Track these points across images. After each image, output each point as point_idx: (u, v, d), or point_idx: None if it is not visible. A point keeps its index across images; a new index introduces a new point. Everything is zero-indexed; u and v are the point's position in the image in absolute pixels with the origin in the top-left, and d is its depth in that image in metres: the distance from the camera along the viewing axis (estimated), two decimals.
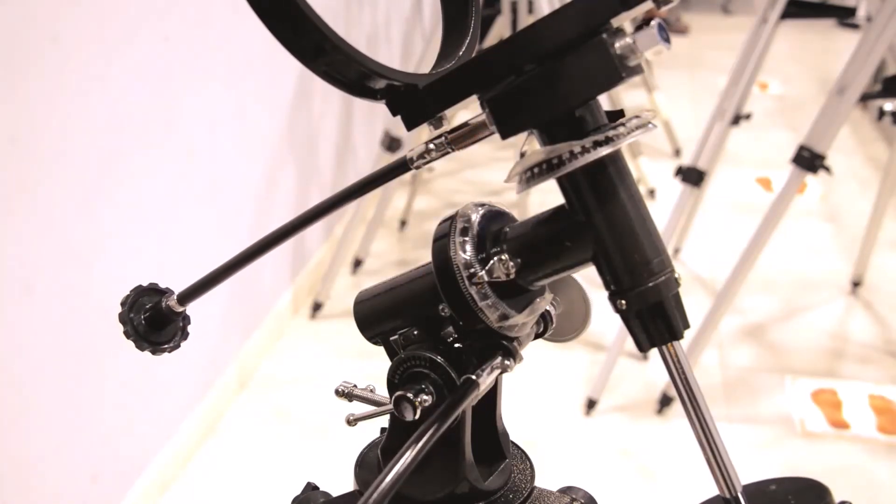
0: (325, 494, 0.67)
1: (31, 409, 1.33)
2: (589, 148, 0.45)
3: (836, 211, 2.94)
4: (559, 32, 0.45)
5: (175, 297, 0.61)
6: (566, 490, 0.62)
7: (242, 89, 1.96)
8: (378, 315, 0.58)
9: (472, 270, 0.51)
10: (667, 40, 0.44)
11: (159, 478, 1.68)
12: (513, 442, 0.62)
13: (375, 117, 2.88)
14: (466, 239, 0.52)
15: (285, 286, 2.29)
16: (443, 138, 0.51)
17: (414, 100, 0.49)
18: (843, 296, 2.42)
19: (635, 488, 1.72)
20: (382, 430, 0.60)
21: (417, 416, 0.53)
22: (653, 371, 2.06)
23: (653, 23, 0.44)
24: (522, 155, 0.48)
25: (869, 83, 1.75)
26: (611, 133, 0.46)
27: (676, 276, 0.50)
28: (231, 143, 1.93)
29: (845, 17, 4.03)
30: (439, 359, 0.53)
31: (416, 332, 0.56)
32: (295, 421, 1.92)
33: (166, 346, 0.62)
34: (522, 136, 0.49)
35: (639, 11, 0.44)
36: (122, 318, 0.61)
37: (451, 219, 0.53)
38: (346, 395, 0.61)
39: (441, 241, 0.52)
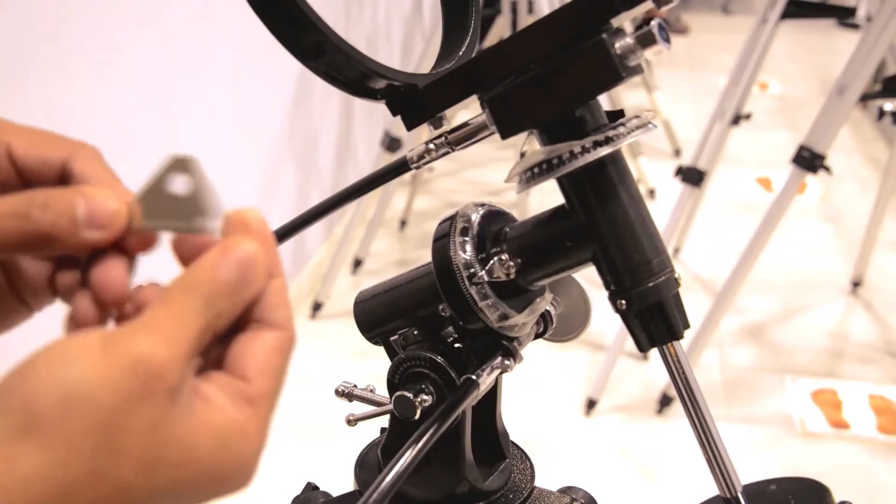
0: (325, 494, 0.67)
1: None
2: (589, 148, 0.45)
3: (836, 211, 2.93)
4: (559, 32, 0.45)
5: None
6: (566, 490, 0.62)
7: (242, 89, 1.96)
8: (378, 315, 0.58)
9: (472, 270, 0.51)
10: (667, 40, 0.44)
11: None
12: (513, 442, 0.62)
13: (375, 117, 2.88)
14: (466, 239, 0.52)
15: None
16: (443, 138, 0.51)
17: (414, 100, 0.49)
18: (843, 296, 2.42)
19: (635, 488, 1.72)
20: (382, 430, 0.60)
21: (417, 416, 0.53)
22: (653, 371, 2.06)
23: (653, 23, 0.44)
24: (522, 155, 0.48)
25: (869, 83, 1.75)
26: (611, 133, 0.46)
27: (676, 275, 0.50)
28: (231, 144, 1.93)
29: (845, 17, 4.04)
30: (439, 359, 0.54)
31: (416, 332, 0.56)
32: (295, 421, 1.92)
33: None
34: (522, 136, 0.49)
35: (639, 11, 0.44)
36: None
37: (451, 219, 0.53)
38: (346, 395, 0.61)
39: (441, 241, 0.52)
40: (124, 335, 0.28)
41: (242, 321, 0.32)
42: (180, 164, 0.32)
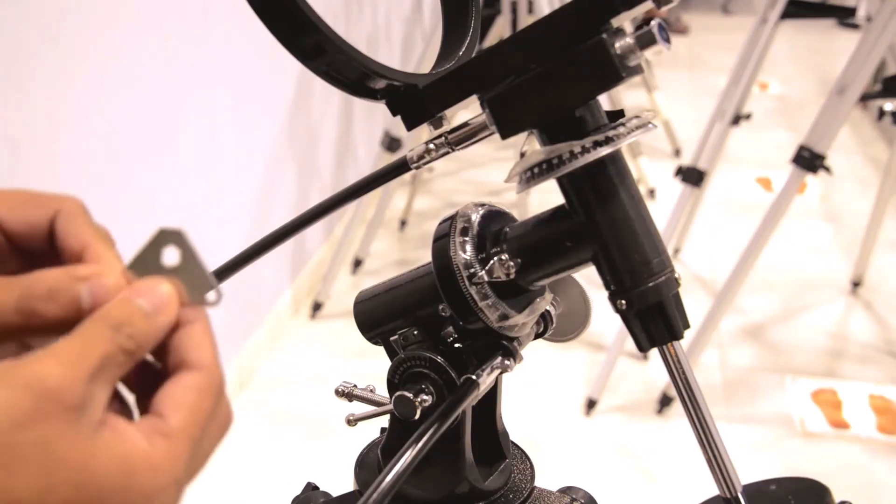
0: (325, 494, 0.67)
1: None
2: (589, 148, 0.45)
3: (836, 211, 2.93)
4: (559, 32, 0.45)
5: None
6: (566, 490, 0.62)
7: (242, 89, 1.96)
8: (378, 315, 0.58)
9: (472, 270, 0.51)
10: (667, 40, 0.44)
11: None
12: (513, 442, 0.62)
13: (375, 117, 2.88)
14: (466, 239, 0.52)
15: (285, 286, 2.29)
16: (443, 138, 0.51)
17: (414, 100, 0.49)
18: (843, 296, 2.42)
19: (635, 488, 1.72)
20: (382, 430, 0.60)
21: (417, 416, 0.53)
22: (653, 371, 2.06)
23: (653, 23, 0.44)
24: (522, 155, 0.48)
25: (869, 83, 1.75)
26: (611, 133, 0.46)
27: (676, 275, 0.50)
28: (231, 143, 1.93)
29: (845, 17, 4.04)
30: (439, 359, 0.54)
31: (416, 332, 0.56)
32: (295, 421, 1.92)
33: None
34: (522, 136, 0.49)
35: (639, 11, 0.44)
36: None
37: (451, 219, 0.53)
38: (346, 395, 0.61)
39: (441, 241, 0.52)
40: (25, 360, 0.28)
41: (167, 370, 0.33)
42: (168, 237, 0.33)
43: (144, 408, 0.32)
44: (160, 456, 0.30)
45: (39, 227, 0.34)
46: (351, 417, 0.60)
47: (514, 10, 2.37)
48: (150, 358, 0.34)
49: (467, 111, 0.51)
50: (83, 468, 0.28)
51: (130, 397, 0.34)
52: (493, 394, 0.58)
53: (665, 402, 1.92)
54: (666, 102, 3.36)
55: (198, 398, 0.32)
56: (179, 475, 0.30)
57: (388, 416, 0.58)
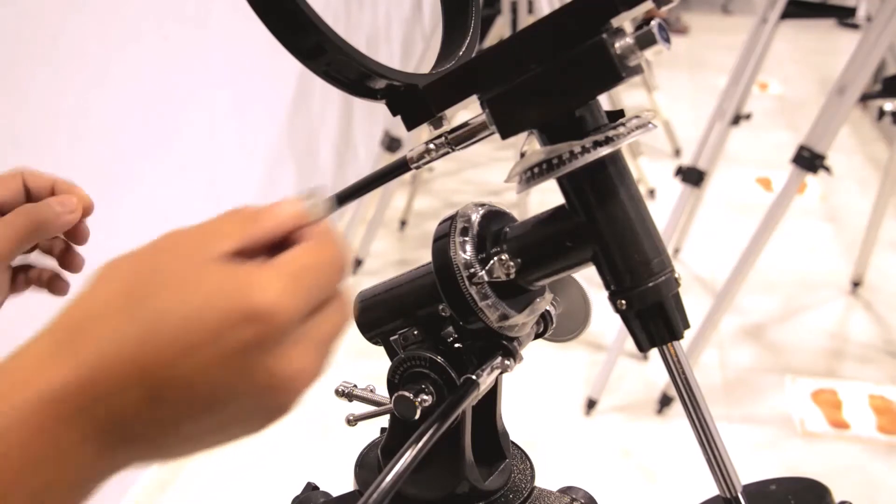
0: (325, 494, 0.67)
1: None
2: (589, 148, 0.45)
3: (836, 211, 2.93)
4: (559, 32, 0.45)
5: None
6: (566, 490, 0.62)
7: (242, 89, 1.96)
8: (378, 315, 0.58)
9: (472, 270, 0.51)
10: (667, 40, 0.44)
11: (159, 477, 1.68)
12: (513, 442, 0.62)
13: (375, 117, 2.88)
14: (466, 239, 0.52)
15: None
16: (443, 138, 0.51)
17: (414, 100, 0.49)
18: (843, 296, 2.42)
19: (635, 488, 1.72)
20: (382, 430, 0.60)
21: (417, 416, 0.53)
22: (653, 371, 2.06)
23: (653, 23, 0.44)
24: (522, 155, 0.48)
25: (869, 83, 1.74)
26: (611, 133, 0.46)
27: (676, 275, 0.50)
28: (231, 143, 1.93)
29: (845, 17, 4.03)
30: (439, 359, 0.54)
31: (416, 332, 0.56)
32: (295, 421, 1.91)
33: None
34: (522, 136, 0.49)
35: (639, 11, 0.44)
36: None
37: (451, 219, 0.53)
38: (346, 395, 0.61)
39: (441, 241, 0.52)
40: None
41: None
42: (313, 194, 0.40)
43: None
44: (264, 272, 0.35)
45: (15, 200, 0.54)
46: (351, 417, 0.60)
47: (514, 10, 2.37)
48: None
49: (467, 111, 0.51)
50: (195, 271, 0.35)
51: None
52: (493, 394, 0.58)
53: (665, 402, 1.92)
54: (666, 102, 3.36)
55: (306, 255, 0.37)
56: (284, 294, 0.35)
57: (388, 416, 0.58)
